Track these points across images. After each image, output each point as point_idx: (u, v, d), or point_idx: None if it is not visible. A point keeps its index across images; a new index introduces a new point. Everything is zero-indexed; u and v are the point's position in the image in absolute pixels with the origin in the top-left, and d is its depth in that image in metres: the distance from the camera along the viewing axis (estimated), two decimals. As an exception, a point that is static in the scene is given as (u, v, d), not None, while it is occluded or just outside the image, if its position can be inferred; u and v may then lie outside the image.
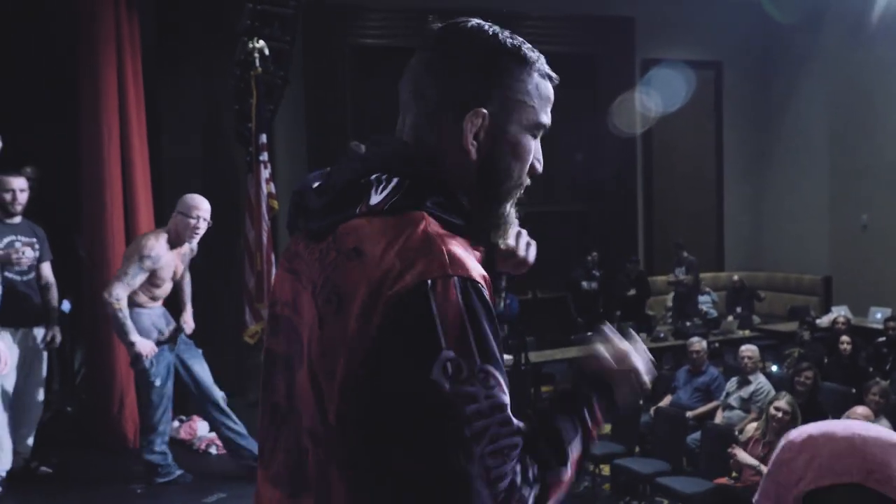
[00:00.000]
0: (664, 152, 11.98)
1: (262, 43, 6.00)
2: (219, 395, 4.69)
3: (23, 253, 4.31)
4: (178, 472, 4.53)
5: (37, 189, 5.24)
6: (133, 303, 4.43)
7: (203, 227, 4.46)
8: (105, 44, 5.01)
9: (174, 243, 4.47)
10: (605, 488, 6.01)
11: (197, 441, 5.38)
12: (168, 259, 4.46)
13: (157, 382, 4.40)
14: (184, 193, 5.70)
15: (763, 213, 12.78)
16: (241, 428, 4.69)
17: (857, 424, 1.08)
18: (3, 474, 4.42)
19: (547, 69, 1.21)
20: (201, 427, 5.37)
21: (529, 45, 1.21)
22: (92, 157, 5.03)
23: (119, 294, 4.26)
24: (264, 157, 6.06)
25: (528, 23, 10.80)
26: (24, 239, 4.43)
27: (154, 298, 4.55)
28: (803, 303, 11.07)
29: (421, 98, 1.15)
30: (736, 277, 11.63)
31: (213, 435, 5.08)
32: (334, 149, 9.84)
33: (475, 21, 1.19)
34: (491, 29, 1.19)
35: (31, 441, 4.69)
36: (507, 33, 1.20)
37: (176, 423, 5.20)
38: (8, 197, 4.42)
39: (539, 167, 1.23)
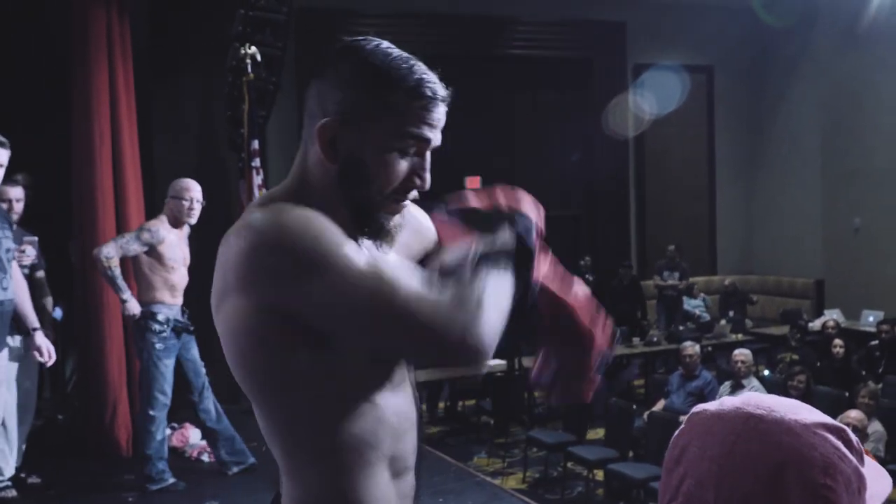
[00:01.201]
0: (656, 156, 12.01)
1: (253, 49, 6.00)
2: (205, 376, 4.71)
3: (24, 252, 4.30)
4: (172, 480, 4.52)
5: (29, 195, 5.23)
6: (154, 299, 4.47)
7: (197, 208, 4.53)
8: (97, 49, 4.99)
9: (173, 224, 4.53)
10: (598, 493, 6.00)
11: (189, 448, 5.35)
12: (172, 239, 4.49)
13: (165, 376, 4.47)
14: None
15: (755, 217, 12.82)
16: (221, 424, 4.77)
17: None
18: (6, 478, 4.40)
19: (424, 85, 1.22)
20: (193, 434, 5.34)
21: (406, 59, 1.23)
22: (84, 162, 5.01)
23: (108, 252, 4.31)
24: (256, 162, 6.06)
25: (520, 28, 10.83)
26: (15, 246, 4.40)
27: (172, 289, 4.53)
28: (795, 306, 11.11)
29: (305, 112, 1.25)
30: (728, 281, 11.66)
31: (205, 443, 5.06)
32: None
33: (356, 39, 1.25)
34: (364, 44, 1.23)
35: (21, 449, 4.66)
36: (382, 47, 1.23)
37: (168, 431, 5.18)
38: (5, 206, 4.42)
39: (420, 182, 1.25)
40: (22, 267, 4.43)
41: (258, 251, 1.12)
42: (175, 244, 4.52)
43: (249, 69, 6.00)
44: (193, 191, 4.51)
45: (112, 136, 5.06)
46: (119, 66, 5.11)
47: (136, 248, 4.41)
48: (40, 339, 4.02)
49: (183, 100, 6.18)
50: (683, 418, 3.51)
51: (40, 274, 4.75)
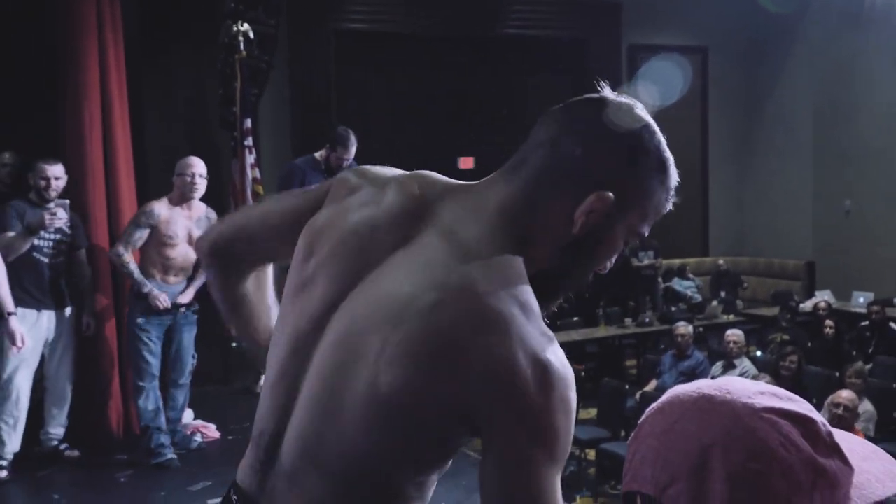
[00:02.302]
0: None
1: (246, 26, 5.95)
2: (187, 366, 4.74)
3: (53, 214, 4.30)
4: (171, 456, 4.52)
5: (15, 175, 5.22)
6: (146, 275, 4.52)
7: (200, 183, 4.56)
8: (87, 29, 4.91)
9: (177, 202, 4.55)
10: (590, 473, 6.04)
11: (182, 428, 5.34)
12: (171, 216, 4.50)
13: (151, 350, 4.50)
14: (168, 179, 5.67)
15: (747, 199, 12.85)
16: (177, 415, 4.81)
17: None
18: (10, 457, 4.44)
19: (673, 187, 1.18)
20: (186, 415, 5.33)
21: (672, 159, 1.19)
22: (74, 143, 4.95)
23: (118, 250, 4.45)
24: (249, 141, 6.02)
25: (514, 8, 10.77)
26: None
27: (168, 267, 4.53)
28: (786, 287, 11.14)
29: (558, 152, 1.11)
30: (720, 262, 11.70)
31: (199, 422, 5.06)
32: (319, 134, 9.78)
33: (643, 111, 1.17)
34: (653, 127, 1.17)
35: (63, 422, 4.73)
36: (662, 138, 1.18)
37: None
38: (42, 184, 4.49)
39: (605, 269, 1.20)
40: (53, 233, 4.49)
41: (563, 400, 1.02)
42: (176, 221, 4.51)
43: (242, 47, 5.94)
44: (195, 166, 4.54)
45: (103, 116, 4.99)
46: (110, 46, 5.04)
47: (139, 234, 4.48)
48: (14, 324, 4.04)
49: (174, 78, 6.12)
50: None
51: (81, 254, 4.77)
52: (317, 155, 5.20)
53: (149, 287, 4.47)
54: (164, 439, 4.56)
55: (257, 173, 6.11)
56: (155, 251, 4.54)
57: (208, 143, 6.14)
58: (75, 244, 4.70)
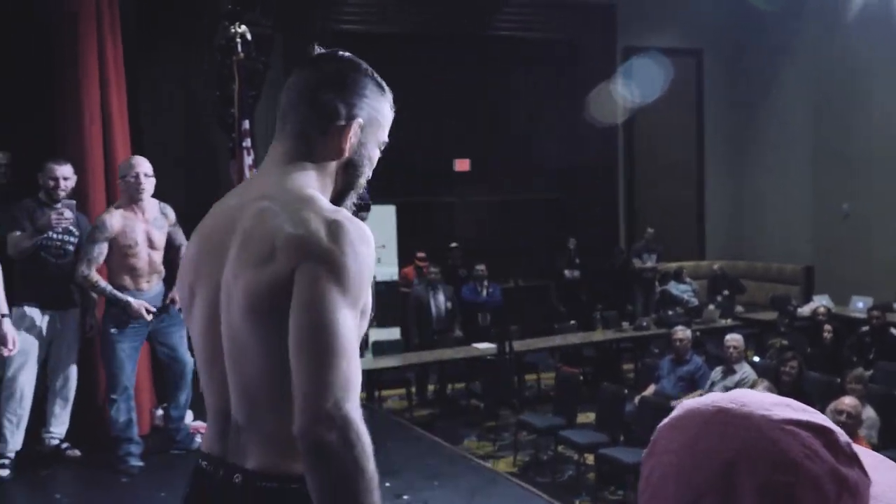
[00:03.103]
0: (645, 140, 11.99)
1: (244, 28, 5.89)
2: (187, 365, 4.68)
3: (60, 214, 4.29)
4: (133, 464, 4.47)
5: (9, 175, 5.18)
6: (114, 284, 4.42)
7: (146, 183, 4.41)
8: (86, 27, 4.88)
9: (127, 205, 4.43)
10: (589, 477, 6.01)
11: (184, 427, 5.29)
12: (125, 224, 4.38)
13: (123, 360, 4.42)
14: (165, 179, 5.62)
15: (744, 202, 12.83)
16: (179, 413, 4.78)
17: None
18: (13, 455, 4.42)
19: (391, 99, 1.55)
20: (186, 417, 5.28)
21: (379, 77, 1.55)
22: (73, 142, 4.92)
23: (83, 271, 4.33)
24: (247, 143, 5.96)
25: (509, 9, 10.76)
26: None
27: (134, 273, 4.44)
28: (784, 292, 11.13)
29: (310, 105, 1.46)
30: (716, 266, 11.68)
31: (199, 423, 5.01)
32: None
33: (344, 53, 1.54)
34: (358, 60, 1.53)
35: (65, 421, 4.72)
36: (367, 66, 1.54)
37: (159, 412, 5.13)
38: (51, 184, 4.47)
39: (370, 172, 1.56)
40: (60, 233, 4.46)
41: (355, 245, 1.32)
42: (132, 228, 4.40)
43: (239, 48, 5.89)
44: (139, 167, 4.41)
45: (102, 116, 4.95)
46: (108, 45, 5.00)
47: (98, 250, 4.36)
48: (6, 327, 4.00)
49: (171, 79, 6.08)
50: (675, 403, 3.50)
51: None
52: None
53: (126, 299, 4.38)
54: (134, 449, 4.50)
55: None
56: (119, 262, 4.43)
57: (206, 144, 6.10)
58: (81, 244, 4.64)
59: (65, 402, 4.71)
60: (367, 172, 1.53)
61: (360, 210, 5.71)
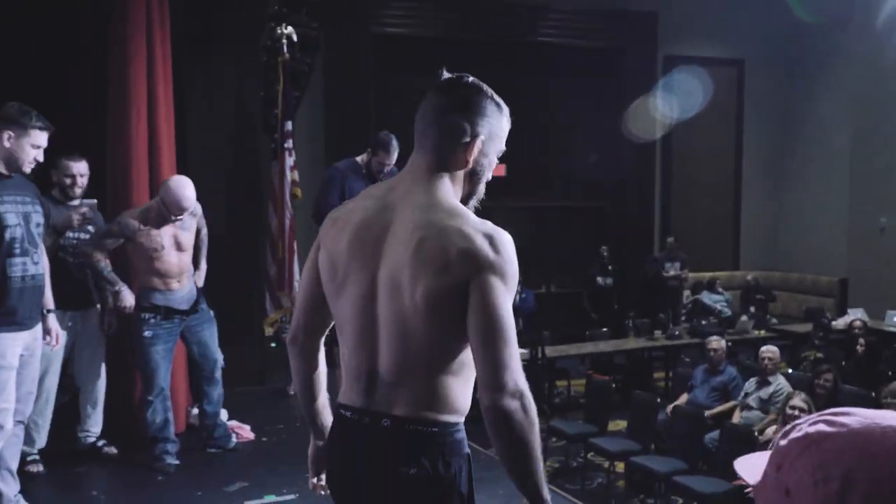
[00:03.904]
0: (683, 148, 11.93)
1: (290, 29, 5.99)
2: (217, 362, 4.71)
3: (81, 214, 4.30)
4: (169, 462, 4.49)
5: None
6: (143, 285, 4.42)
7: (184, 215, 4.42)
8: (135, 27, 4.91)
9: (159, 222, 4.38)
10: (619, 485, 6.02)
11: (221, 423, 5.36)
12: (149, 228, 4.35)
13: (158, 363, 4.42)
14: (206, 179, 5.69)
15: (781, 213, 12.72)
16: (214, 409, 4.79)
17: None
18: (36, 451, 4.46)
19: (507, 113, 1.84)
20: (221, 414, 5.37)
21: (496, 95, 1.82)
22: (119, 140, 4.95)
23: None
24: (289, 144, 6.06)
25: (551, 15, 10.76)
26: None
27: (161, 275, 4.42)
28: (818, 304, 11.02)
29: (443, 124, 1.76)
30: (750, 277, 11.60)
31: (234, 423, 5.08)
32: (353, 137, 9.82)
33: (473, 78, 1.81)
34: (479, 82, 1.81)
35: (99, 420, 4.75)
36: (486, 86, 1.82)
37: (194, 411, 5.15)
38: (68, 181, 4.45)
39: (490, 176, 1.87)
40: (78, 232, 4.44)
41: (510, 253, 1.68)
42: (157, 232, 4.37)
43: (285, 49, 5.98)
44: (186, 202, 4.35)
45: (148, 115, 4.98)
46: (157, 44, 5.05)
47: (111, 242, 4.36)
48: (52, 321, 3.98)
49: (217, 80, 6.17)
50: (708, 413, 3.53)
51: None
52: (358, 159, 5.15)
53: (119, 285, 4.38)
54: (171, 448, 4.53)
55: (296, 176, 6.15)
56: (146, 265, 4.41)
57: (248, 145, 6.19)
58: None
59: (95, 402, 4.72)
60: (488, 176, 1.83)
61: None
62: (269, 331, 6.10)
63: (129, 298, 4.39)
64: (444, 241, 1.64)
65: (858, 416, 0.74)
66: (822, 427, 0.75)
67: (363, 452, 1.76)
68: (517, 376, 1.61)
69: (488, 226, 1.68)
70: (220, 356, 4.75)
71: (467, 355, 1.69)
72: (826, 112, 11.79)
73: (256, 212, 6.29)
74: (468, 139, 1.74)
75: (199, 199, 4.58)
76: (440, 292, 1.63)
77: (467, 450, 1.78)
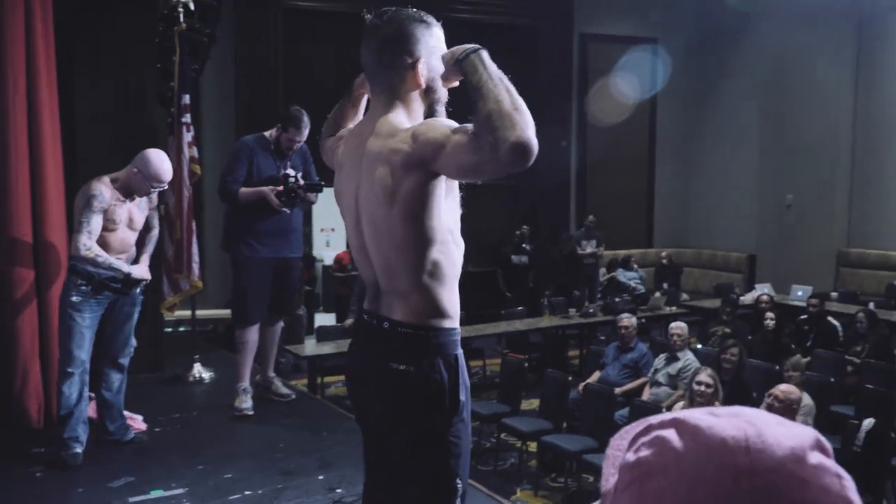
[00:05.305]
0: (598, 129, 11.98)
1: (186, -3, 5.69)
2: (130, 347, 4.47)
3: None
4: (78, 451, 4.19)
5: None
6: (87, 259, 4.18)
7: (155, 190, 4.33)
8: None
9: (123, 193, 4.23)
10: (531, 465, 5.98)
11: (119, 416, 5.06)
12: (113, 201, 4.20)
13: (83, 332, 4.17)
14: (98, 152, 5.36)
15: (692, 191, 12.95)
16: (113, 397, 4.51)
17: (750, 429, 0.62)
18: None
19: (434, 20, 2.01)
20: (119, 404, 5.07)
21: (425, 13, 2.00)
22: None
23: (85, 243, 4.10)
24: (187, 118, 5.77)
25: (466, -9, 10.64)
26: None
27: (109, 249, 4.21)
28: (728, 280, 11.26)
29: (383, 62, 1.94)
30: (664, 254, 11.77)
31: (126, 413, 4.80)
32: (264, 112, 9.52)
33: (395, 9, 1.96)
34: (402, 11, 1.97)
35: None
36: (414, 10, 1.98)
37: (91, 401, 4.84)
38: None
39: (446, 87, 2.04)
40: None
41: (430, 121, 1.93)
42: (116, 206, 4.22)
43: (182, 18, 5.68)
44: (166, 177, 4.27)
45: (27, 83, 4.64)
46: (36, 8, 4.71)
47: (97, 221, 4.16)
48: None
49: (107, 48, 5.80)
50: (618, 390, 3.47)
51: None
52: (266, 134, 4.99)
53: (127, 266, 4.24)
54: (81, 431, 4.24)
55: (195, 152, 5.86)
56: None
57: (143, 118, 5.86)
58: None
59: None
60: (441, 84, 1.98)
61: (311, 190, 5.51)
62: (167, 315, 5.83)
63: (142, 272, 4.32)
64: (392, 155, 1.85)
65: (698, 437, 0.62)
66: (651, 455, 0.63)
67: (367, 349, 2.02)
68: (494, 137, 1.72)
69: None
70: (134, 343, 4.48)
71: (437, 254, 1.88)
72: (736, 92, 12.01)
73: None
74: (410, 66, 1.91)
75: (88, 177, 4.31)
76: (396, 186, 1.83)
77: (456, 352, 1.95)
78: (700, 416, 0.63)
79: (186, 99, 5.77)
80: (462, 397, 1.96)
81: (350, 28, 10.84)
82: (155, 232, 4.58)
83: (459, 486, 1.98)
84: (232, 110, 9.88)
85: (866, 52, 10.71)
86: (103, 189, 4.16)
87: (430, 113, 2.00)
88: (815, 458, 0.60)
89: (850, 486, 0.61)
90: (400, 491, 2.01)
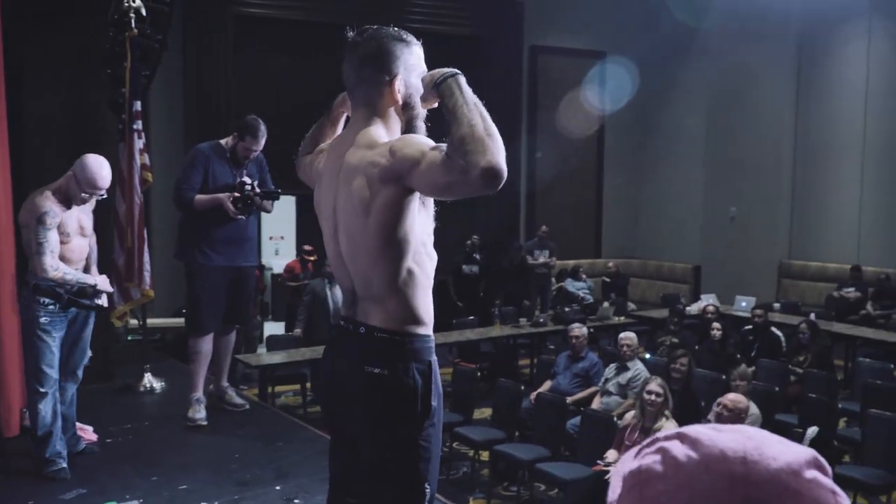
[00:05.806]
0: (547, 140, 12.12)
1: (138, 2, 5.61)
2: (86, 358, 4.38)
3: None
4: (62, 466, 4.10)
5: None
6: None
7: (97, 196, 4.17)
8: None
9: (65, 202, 4.10)
10: (484, 474, 6.02)
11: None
12: (62, 212, 4.08)
13: (53, 352, 4.08)
14: (48, 159, 5.25)
15: (639, 203, 13.18)
16: (67, 409, 4.37)
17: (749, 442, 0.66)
18: None
19: (413, 38, 2.05)
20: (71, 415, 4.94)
21: (406, 32, 2.04)
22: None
23: (51, 264, 3.99)
24: (138, 125, 5.68)
25: (417, 1, 10.68)
26: None
27: (68, 262, 4.10)
28: (675, 290, 11.48)
29: (363, 78, 2.01)
30: (611, 264, 11.95)
31: (78, 425, 4.69)
32: (214, 120, 9.42)
33: (376, 27, 2.02)
34: (383, 29, 2.02)
35: None
36: (395, 28, 2.04)
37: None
38: None
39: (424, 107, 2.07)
40: None
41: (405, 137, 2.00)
42: (67, 215, 4.11)
43: (133, 24, 5.60)
44: (104, 182, 4.12)
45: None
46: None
47: (55, 237, 4.05)
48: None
49: (58, 51, 5.70)
50: (569, 399, 3.58)
51: None
52: (222, 142, 4.94)
53: (92, 279, 4.15)
54: (61, 447, 4.15)
55: (146, 159, 5.78)
56: None
57: (94, 125, 5.75)
58: None
59: None
60: (419, 100, 2.02)
61: (267, 197, 5.46)
62: (117, 324, 5.73)
63: (104, 285, 4.23)
64: (369, 168, 1.91)
65: (698, 448, 0.65)
66: (653, 463, 0.67)
67: (343, 354, 2.06)
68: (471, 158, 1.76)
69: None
70: (90, 353, 4.39)
71: (411, 263, 1.95)
72: (683, 106, 12.29)
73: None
74: (388, 83, 1.98)
75: (37, 184, 4.21)
76: (372, 198, 1.89)
77: (430, 358, 2.01)
78: (703, 430, 0.67)
79: (138, 105, 5.69)
80: (434, 403, 2.01)
81: (301, 35, 10.78)
82: (94, 239, 4.48)
83: (428, 490, 2.01)
84: (181, 118, 9.77)
85: (806, 69, 11.06)
86: (50, 204, 4.04)
87: (408, 128, 2.05)
88: (810, 473, 0.64)
89: (844, 503, 0.64)
90: (371, 495, 2.05)
